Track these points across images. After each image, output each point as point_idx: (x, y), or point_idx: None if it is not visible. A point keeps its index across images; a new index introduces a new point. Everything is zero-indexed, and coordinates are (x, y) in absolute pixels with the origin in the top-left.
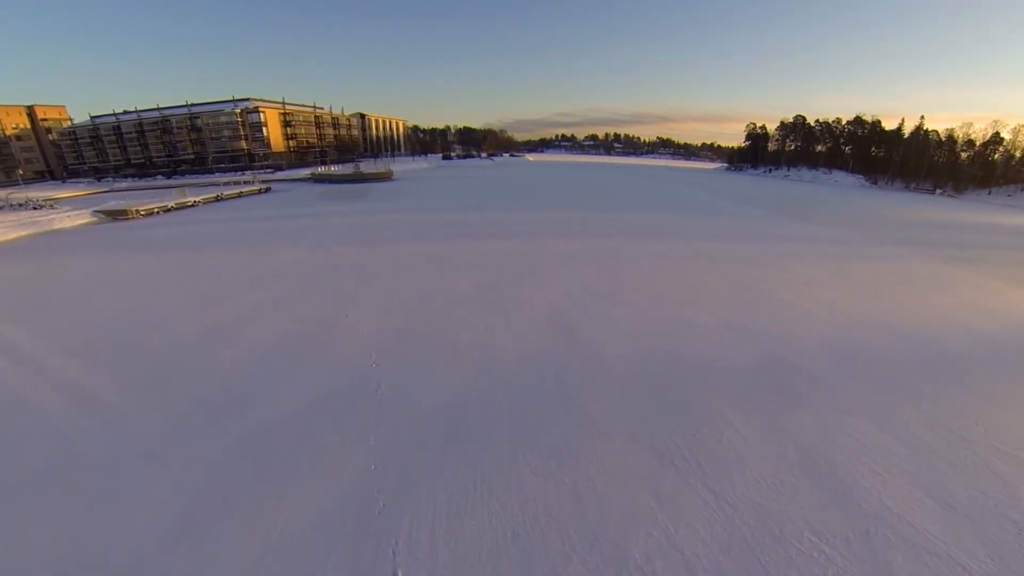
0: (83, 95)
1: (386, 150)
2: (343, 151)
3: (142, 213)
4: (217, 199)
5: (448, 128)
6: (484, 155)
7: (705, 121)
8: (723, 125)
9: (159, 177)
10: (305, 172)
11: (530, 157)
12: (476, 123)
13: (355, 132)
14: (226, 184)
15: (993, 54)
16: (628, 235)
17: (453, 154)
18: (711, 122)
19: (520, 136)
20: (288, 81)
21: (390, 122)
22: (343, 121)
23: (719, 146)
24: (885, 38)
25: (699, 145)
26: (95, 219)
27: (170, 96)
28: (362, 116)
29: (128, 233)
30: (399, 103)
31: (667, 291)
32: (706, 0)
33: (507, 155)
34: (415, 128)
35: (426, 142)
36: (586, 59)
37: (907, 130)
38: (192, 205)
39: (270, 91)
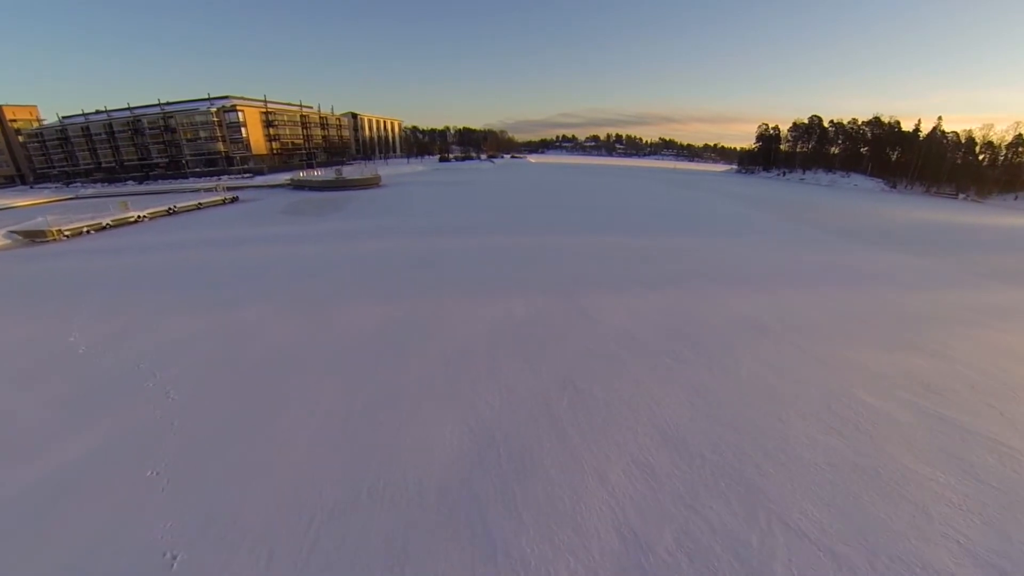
0: (64, 96)
1: (380, 152)
2: (332, 153)
3: (66, 233)
4: (169, 212)
5: (447, 129)
6: (484, 156)
7: (708, 122)
8: (727, 126)
9: (129, 182)
10: (286, 177)
11: (532, 159)
12: (477, 124)
13: (346, 133)
14: (200, 191)
15: (999, 53)
16: (688, 282)
17: (451, 156)
18: (714, 123)
19: (521, 137)
20: (284, 82)
21: (384, 122)
22: (332, 121)
23: (722, 147)
24: (892, 38)
25: (701, 146)
26: (8, 242)
27: (155, 97)
28: (354, 116)
29: (21, 267)
30: (398, 104)
31: (824, 445)
32: (713, 2)
33: (508, 156)
34: (414, 129)
35: (424, 143)
36: (589, 60)
37: (924, 132)
38: (135, 221)
39: (265, 93)
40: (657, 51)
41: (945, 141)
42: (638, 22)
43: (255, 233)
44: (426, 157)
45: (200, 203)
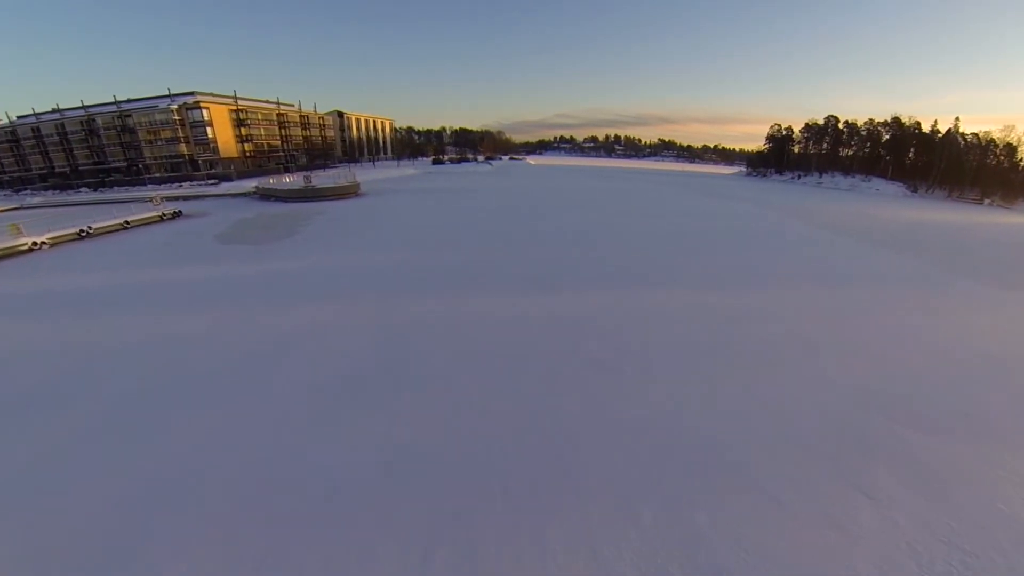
0: (31, 95)
1: (369, 153)
2: (315, 155)
3: None
4: (80, 236)
5: (444, 129)
6: (481, 158)
7: (707, 122)
8: (726, 127)
9: (83, 189)
10: (255, 183)
11: (531, 160)
12: (474, 125)
13: (331, 133)
14: (148, 201)
15: (1014, 52)
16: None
17: (445, 158)
18: (713, 123)
19: (519, 138)
20: (273, 84)
21: (374, 121)
22: (315, 120)
23: (723, 148)
24: (899, 36)
25: (700, 147)
26: None
27: (124, 96)
28: (340, 114)
29: None
30: (394, 105)
31: None
32: (712, 2)
33: (506, 158)
34: (409, 130)
35: (419, 144)
36: (587, 60)
37: (943, 133)
38: (28, 250)
39: (255, 93)
40: (656, 51)
41: (964, 143)
42: (637, 22)
43: (151, 279)
44: (419, 159)
45: (127, 222)
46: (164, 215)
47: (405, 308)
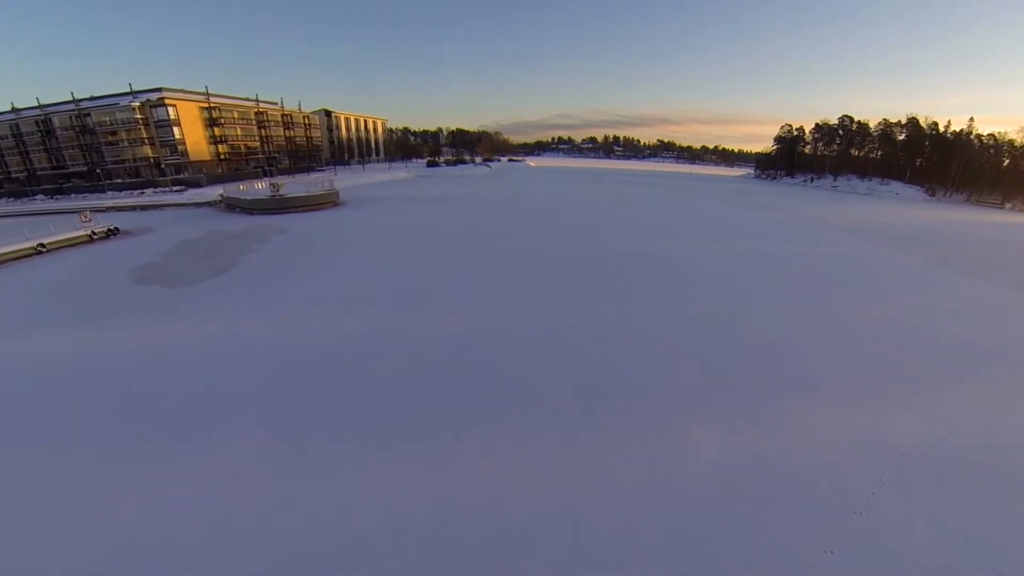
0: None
1: (360, 155)
2: (299, 157)
3: None
4: None
5: (440, 130)
6: (479, 160)
7: (707, 123)
8: (728, 128)
9: (39, 197)
10: (221, 191)
11: (531, 162)
12: (471, 125)
13: (317, 133)
14: (81, 216)
15: (1009, 52)
16: None
17: (440, 160)
18: (713, 124)
19: (517, 139)
20: (265, 85)
21: (365, 121)
22: (299, 119)
23: (724, 149)
24: (902, 35)
25: (699, 148)
26: None
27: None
28: (328, 113)
29: None
30: (391, 106)
31: None
32: (710, 2)
33: (505, 159)
34: (405, 130)
35: (414, 145)
36: (587, 60)
37: (956, 134)
38: None
39: (255, 94)
40: (656, 51)
41: (980, 144)
42: (637, 22)
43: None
44: (413, 161)
45: (42, 245)
46: (95, 234)
47: (349, 486)
